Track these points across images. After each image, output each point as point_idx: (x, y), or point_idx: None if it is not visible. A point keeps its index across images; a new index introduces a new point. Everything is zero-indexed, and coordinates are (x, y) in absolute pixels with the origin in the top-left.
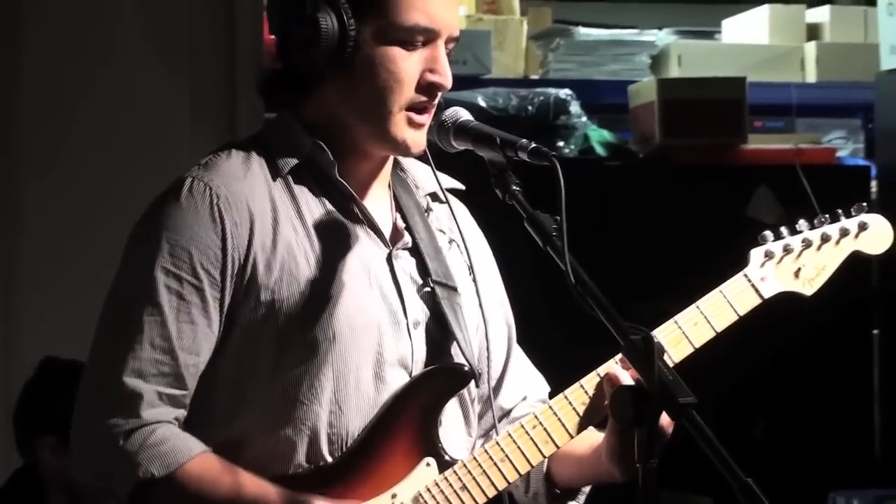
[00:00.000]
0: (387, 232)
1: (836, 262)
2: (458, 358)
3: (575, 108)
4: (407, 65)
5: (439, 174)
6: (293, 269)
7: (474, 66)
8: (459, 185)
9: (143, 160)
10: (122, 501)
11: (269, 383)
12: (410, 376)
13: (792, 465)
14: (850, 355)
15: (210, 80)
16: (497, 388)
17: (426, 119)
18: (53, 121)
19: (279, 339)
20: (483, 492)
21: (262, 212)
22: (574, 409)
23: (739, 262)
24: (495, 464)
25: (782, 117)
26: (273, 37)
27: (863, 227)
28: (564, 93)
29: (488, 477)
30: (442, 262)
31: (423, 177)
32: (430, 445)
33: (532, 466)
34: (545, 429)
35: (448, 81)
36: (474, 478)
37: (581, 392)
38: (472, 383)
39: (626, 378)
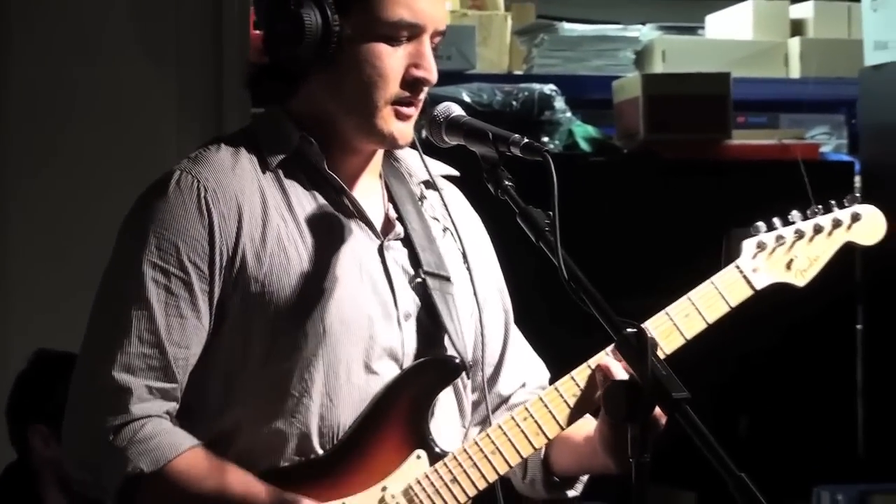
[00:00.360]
0: (378, 223)
1: (829, 253)
2: (450, 349)
3: (559, 103)
4: (392, 60)
5: (434, 161)
6: (283, 261)
7: (458, 61)
8: (454, 171)
9: (131, 156)
10: (111, 497)
11: (260, 375)
12: (401, 369)
13: (775, 460)
14: (834, 350)
15: (197, 76)
16: (495, 375)
17: (413, 111)
18: (41, 118)
19: (270, 331)
20: (473, 484)
21: (251, 205)
22: (565, 400)
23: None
24: (486, 456)
25: (765, 113)
26: (259, 32)
27: (856, 217)
28: (549, 88)
29: (479, 469)
30: (435, 252)
31: (417, 164)
32: (420, 438)
33: (522, 459)
34: (535, 421)
35: (433, 76)
36: (465, 470)
37: (572, 384)
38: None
39: (619, 369)
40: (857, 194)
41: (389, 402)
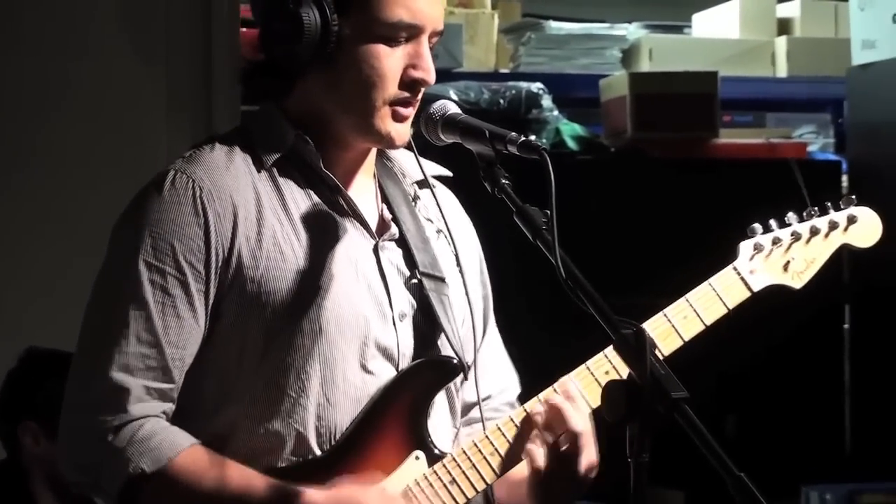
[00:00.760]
0: (373, 223)
1: (826, 255)
2: (446, 350)
3: (547, 101)
4: (390, 61)
5: (427, 161)
6: (279, 261)
7: (445, 59)
8: (446, 172)
9: (120, 154)
10: (111, 498)
11: (256, 375)
12: (397, 369)
13: (764, 460)
14: (821, 350)
15: (186, 74)
16: (461, 382)
17: (411, 112)
18: (29, 115)
19: (266, 331)
20: (472, 486)
21: (246, 204)
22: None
23: (712, 256)
24: (485, 458)
25: (751, 112)
26: (250, 29)
27: (852, 220)
28: (536, 87)
29: (478, 471)
30: (429, 253)
31: (410, 165)
32: (419, 439)
33: (522, 460)
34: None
35: (431, 77)
36: (463, 471)
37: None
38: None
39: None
40: (853, 196)
41: (388, 402)
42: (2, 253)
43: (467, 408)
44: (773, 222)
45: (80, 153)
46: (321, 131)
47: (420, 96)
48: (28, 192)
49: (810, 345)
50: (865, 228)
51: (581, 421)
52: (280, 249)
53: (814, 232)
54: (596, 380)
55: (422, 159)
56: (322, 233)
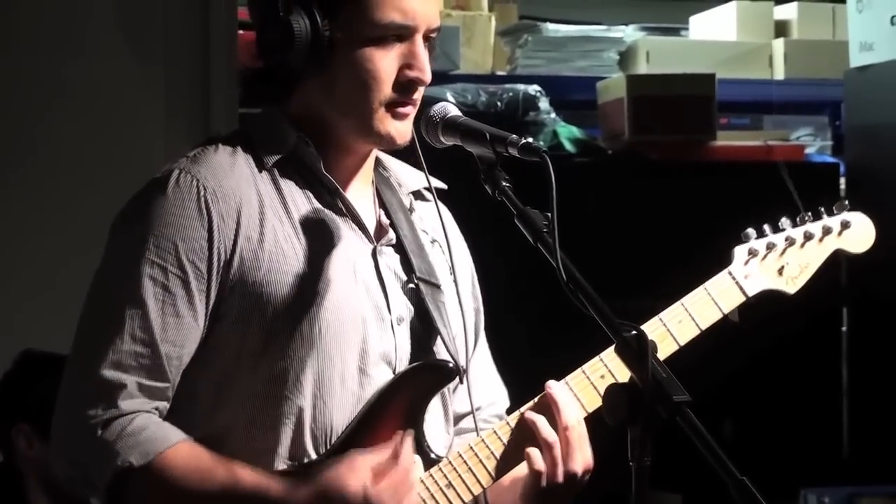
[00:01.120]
0: (371, 228)
1: (820, 260)
2: (442, 354)
3: (544, 104)
4: (384, 63)
5: (421, 173)
6: (280, 262)
7: (442, 62)
8: (441, 185)
9: (117, 156)
10: (100, 492)
11: (253, 376)
12: (394, 372)
13: (762, 463)
14: (819, 353)
15: (184, 76)
16: (454, 389)
17: (410, 110)
18: (26, 116)
19: (265, 332)
20: (469, 489)
21: (248, 205)
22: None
23: (709, 259)
24: (481, 461)
25: (749, 114)
26: (248, 31)
27: (846, 225)
28: (533, 89)
29: (474, 474)
30: (425, 260)
31: (406, 175)
32: (415, 442)
33: (519, 464)
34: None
35: (427, 76)
36: (460, 475)
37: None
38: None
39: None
40: (846, 201)
41: (384, 405)
42: None
43: (457, 419)
44: (767, 227)
45: (78, 155)
46: (322, 135)
47: (420, 94)
48: (25, 193)
49: (808, 347)
50: (859, 234)
51: (575, 421)
52: (281, 250)
53: (808, 237)
54: (592, 383)
55: (417, 171)
56: (322, 235)
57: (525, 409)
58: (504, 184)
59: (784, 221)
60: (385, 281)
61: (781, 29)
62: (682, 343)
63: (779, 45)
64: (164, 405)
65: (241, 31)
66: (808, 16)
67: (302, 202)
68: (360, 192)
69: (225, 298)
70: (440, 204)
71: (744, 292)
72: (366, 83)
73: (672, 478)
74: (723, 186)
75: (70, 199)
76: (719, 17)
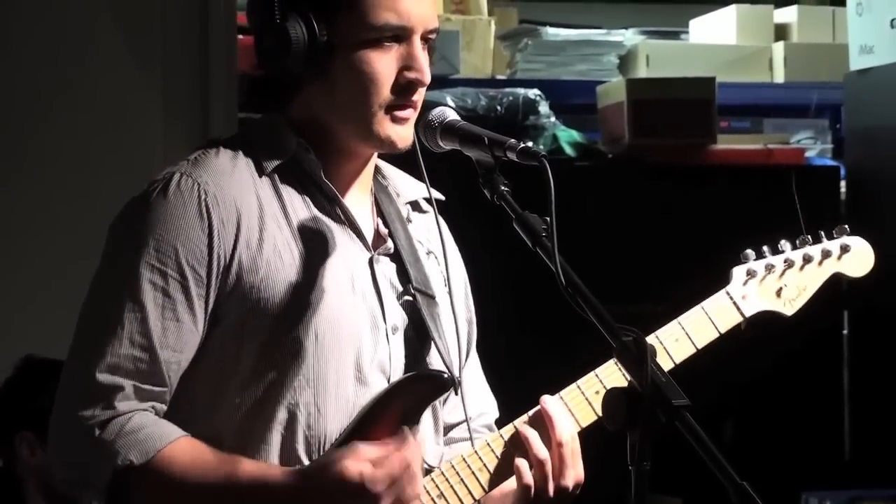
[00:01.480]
0: (369, 236)
1: (818, 283)
2: (437, 364)
3: (544, 108)
4: (381, 65)
5: (419, 183)
6: (279, 267)
7: (442, 66)
8: (440, 196)
9: (116, 161)
10: (100, 492)
11: (249, 382)
12: (388, 381)
13: (763, 466)
14: (820, 356)
15: (183, 80)
16: (444, 401)
17: (410, 113)
18: (25, 121)
19: (262, 337)
20: (460, 501)
21: (248, 210)
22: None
23: (710, 263)
24: (473, 473)
25: (749, 117)
26: (247, 36)
27: (845, 249)
28: (533, 93)
29: (466, 486)
30: (421, 271)
31: (404, 185)
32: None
33: (512, 476)
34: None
35: (426, 77)
36: (451, 486)
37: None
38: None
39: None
40: (846, 226)
41: (378, 413)
42: None
43: (447, 429)
44: (766, 248)
45: (77, 158)
46: (323, 141)
47: (420, 97)
48: (24, 197)
49: (809, 350)
50: (858, 258)
51: (569, 437)
52: (280, 256)
53: (807, 260)
54: (587, 399)
55: (415, 180)
56: (319, 242)
57: (519, 422)
58: (503, 188)
59: (783, 243)
60: (381, 290)
61: (781, 32)
62: (678, 361)
63: (779, 48)
64: (162, 408)
65: (240, 36)
66: (808, 19)
67: (301, 209)
68: (358, 200)
69: (223, 303)
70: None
71: (741, 313)
72: (365, 86)
73: (672, 481)
74: (723, 190)
75: (69, 204)
76: (719, 20)
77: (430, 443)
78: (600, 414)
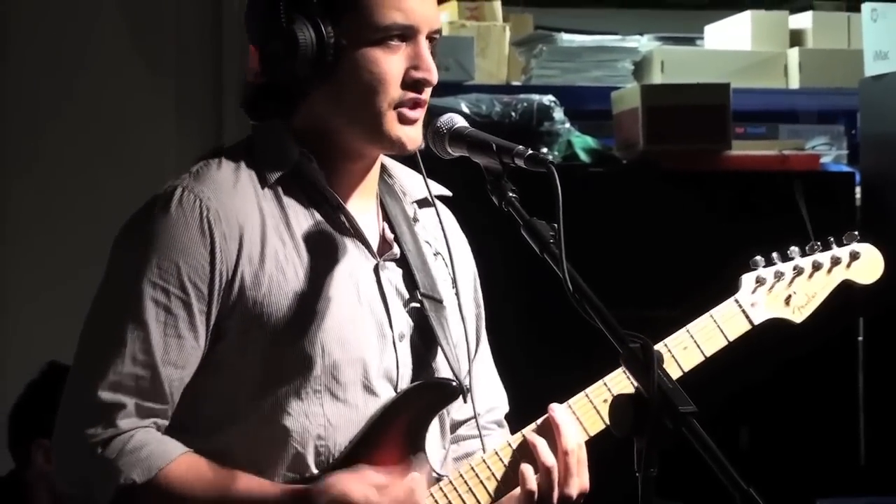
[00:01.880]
0: (374, 242)
1: (827, 290)
2: (444, 372)
3: (558, 114)
4: (389, 64)
5: (428, 180)
6: (281, 282)
7: (457, 72)
8: (447, 192)
9: (130, 164)
10: None
11: (257, 396)
12: (396, 390)
13: (778, 472)
14: (835, 362)
15: (196, 83)
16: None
17: (418, 114)
18: (39, 124)
19: (268, 352)
20: None
21: (250, 224)
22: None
23: (724, 269)
24: (481, 482)
25: (764, 123)
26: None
27: (854, 256)
28: (548, 99)
29: (474, 495)
30: (428, 274)
31: (411, 184)
32: (417, 461)
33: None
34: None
35: (433, 76)
36: (460, 495)
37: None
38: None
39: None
40: (856, 233)
41: (387, 423)
42: (12, 263)
43: (455, 425)
44: (775, 255)
45: (90, 162)
46: (327, 147)
47: (427, 96)
48: (38, 200)
49: (824, 356)
50: (868, 265)
51: (575, 445)
52: (282, 270)
53: (816, 267)
54: (595, 407)
55: (422, 177)
56: (324, 253)
57: (527, 430)
58: (511, 195)
59: (793, 250)
60: (387, 298)
61: (796, 38)
62: (687, 369)
63: (794, 54)
64: (164, 423)
65: None
66: (823, 25)
67: (304, 219)
68: (363, 207)
69: (225, 319)
70: (441, 211)
71: (750, 320)
72: (373, 86)
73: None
74: (738, 196)
75: (82, 206)
76: (734, 26)
77: (435, 447)
78: (608, 422)
